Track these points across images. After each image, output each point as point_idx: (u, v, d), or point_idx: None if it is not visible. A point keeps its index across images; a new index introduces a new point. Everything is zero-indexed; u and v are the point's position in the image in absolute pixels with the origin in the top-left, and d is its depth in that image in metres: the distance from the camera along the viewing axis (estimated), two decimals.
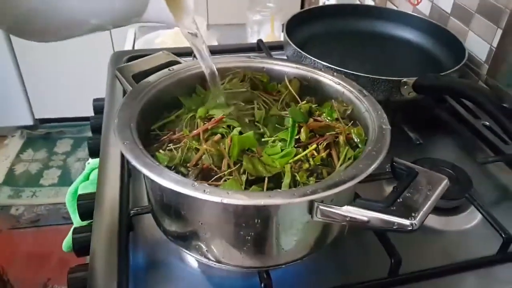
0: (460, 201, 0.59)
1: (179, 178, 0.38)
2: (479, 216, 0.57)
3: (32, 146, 2.13)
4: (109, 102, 0.76)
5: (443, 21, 0.90)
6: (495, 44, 0.77)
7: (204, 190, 0.36)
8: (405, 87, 0.68)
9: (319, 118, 0.50)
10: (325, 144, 0.45)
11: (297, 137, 0.47)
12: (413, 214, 0.37)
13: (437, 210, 0.58)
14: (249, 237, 0.41)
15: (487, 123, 0.72)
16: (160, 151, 0.46)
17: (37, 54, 1.92)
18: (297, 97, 0.53)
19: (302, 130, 0.46)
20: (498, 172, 0.65)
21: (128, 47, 1.16)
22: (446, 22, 0.90)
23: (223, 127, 0.46)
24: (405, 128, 0.69)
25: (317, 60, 0.73)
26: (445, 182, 0.40)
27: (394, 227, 0.37)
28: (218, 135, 0.44)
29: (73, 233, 0.56)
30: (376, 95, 0.69)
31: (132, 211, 0.53)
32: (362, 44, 0.90)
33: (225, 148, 0.43)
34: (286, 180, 0.41)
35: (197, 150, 0.44)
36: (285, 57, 0.85)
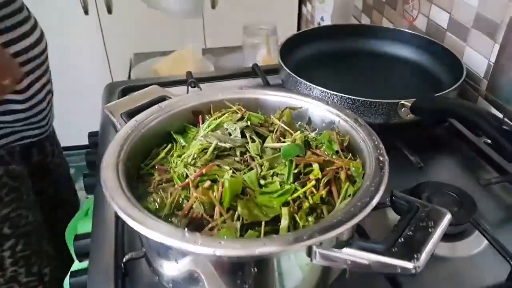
0: (465, 225, 0.57)
1: (169, 228, 0.36)
2: (485, 241, 0.55)
3: None
4: (102, 138, 0.75)
5: (440, 37, 0.89)
6: (493, 59, 0.76)
7: (195, 241, 0.34)
8: (403, 109, 0.67)
9: (317, 151, 0.48)
10: (325, 180, 0.44)
11: (295, 171, 0.45)
12: (415, 256, 0.35)
13: None
14: (246, 285, 0.39)
15: (489, 141, 0.70)
16: (148, 199, 0.44)
17: None
18: (289, 130, 0.51)
19: (314, 167, 0.44)
20: (503, 193, 0.63)
21: (124, 76, 1.16)
22: (443, 38, 0.89)
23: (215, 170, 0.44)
24: (405, 151, 0.67)
25: (312, 84, 0.72)
26: (447, 217, 0.38)
27: (397, 271, 0.35)
28: (208, 182, 0.42)
29: (71, 276, 0.55)
30: (374, 118, 0.68)
31: (126, 256, 0.51)
32: (358, 64, 0.89)
33: (215, 196, 0.41)
34: (284, 222, 0.39)
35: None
36: (280, 81, 0.85)
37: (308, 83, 0.72)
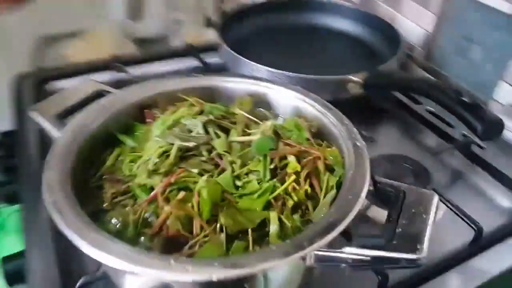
0: None
1: (152, 259, 0.31)
2: (444, 208, 0.57)
3: None
4: (21, 139, 0.64)
5: (373, 8, 0.89)
6: (427, 27, 0.78)
7: (185, 269, 0.29)
8: (351, 84, 0.66)
9: (289, 141, 0.44)
10: (305, 173, 0.40)
11: (271, 166, 0.41)
12: (418, 247, 0.34)
13: None
14: None
15: (430, 108, 0.72)
16: (105, 218, 0.38)
17: None
18: (255, 119, 0.47)
19: (290, 160, 0.41)
20: (451, 158, 0.65)
21: (28, 63, 1.01)
22: (376, 8, 0.89)
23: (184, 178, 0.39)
24: (355, 126, 0.67)
25: (257, 64, 0.68)
26: (435, 199, 0.38)
27: (401, 264, 0.34)
28: (182, 193, 0.37)
29: None
30: (321, 96, 0.67)
31: (81, 280, 0.43)
32: (296, 39, 0.86)
33: (193, 207, 0.36)
34: (273, 228, 0.36)
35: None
36: (218, 61, 0.80)
37: (252, 63, 0.68)
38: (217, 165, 0.42)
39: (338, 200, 0.37)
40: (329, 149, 0.44)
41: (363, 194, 0.37)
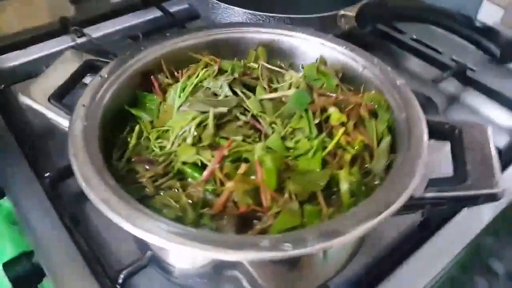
0: None
1: (229, 238, 0.28)
2: None
3: None
4: None
5: None
6: None
7: (281, 246, 0.27)
8: (343, 19, 0.63)
9: (323, 91, 0.41)
10: (353, 123, 0.38)
11: (315, 121, 0.38)
12: (494, 181, 0.33)
13: None
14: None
15: (414, 36, 0.71)
16: (154, 204, 0.33)
17: None
18: (279, 70, 0.43)
19: (332, 111, 0.38)
20: (446, 85, 0.65)
21: None
22: None
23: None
24: None
25: (233, 7, 0.62)
26: (490, 130, 0.37)
27: (480, 201, 0.33)
28: (245, 165, 0.33)
29: None
30: None
31: (124, 272, 0.39)
32: None
33: (258, 180, 0.32)
34: (344, 187, 0.33)
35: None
36: (184, 7, 0.75)
37: (230, 6, 0.62)
38: (256, 129, 0.38)
39: (401, 147, 0.35)
40: (369, 94, 0.41)
41: (426, 137, 0.35)
